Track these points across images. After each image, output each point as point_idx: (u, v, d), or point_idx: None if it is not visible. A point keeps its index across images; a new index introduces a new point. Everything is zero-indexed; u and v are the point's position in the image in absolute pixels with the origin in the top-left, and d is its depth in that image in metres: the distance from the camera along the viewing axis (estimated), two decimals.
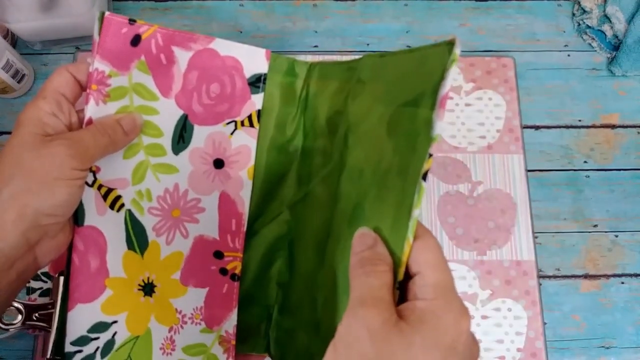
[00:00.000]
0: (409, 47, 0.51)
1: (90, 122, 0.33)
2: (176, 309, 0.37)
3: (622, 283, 0.46)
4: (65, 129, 0.32)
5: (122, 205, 0.35)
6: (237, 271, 0.38)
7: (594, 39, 0.51)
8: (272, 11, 0.53)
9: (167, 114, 0.36)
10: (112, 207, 0.35)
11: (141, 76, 0.35)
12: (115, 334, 0.34)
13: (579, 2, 0.51)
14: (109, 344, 0.34)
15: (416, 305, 0.23)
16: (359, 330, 0.23)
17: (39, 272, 0.43)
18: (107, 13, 0.33)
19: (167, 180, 0.36)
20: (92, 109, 0.33)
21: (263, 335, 0.39)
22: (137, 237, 0.35)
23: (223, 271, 0.38)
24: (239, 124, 0.38)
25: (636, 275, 0.46)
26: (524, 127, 0.49)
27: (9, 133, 0.48)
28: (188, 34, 0.36)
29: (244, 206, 0.38)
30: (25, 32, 0.48)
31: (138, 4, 0.52)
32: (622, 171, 0.48)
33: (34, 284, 0.42)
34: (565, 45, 0.52)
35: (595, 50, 0.51)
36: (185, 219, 0.37)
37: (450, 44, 0.26)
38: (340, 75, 0.37)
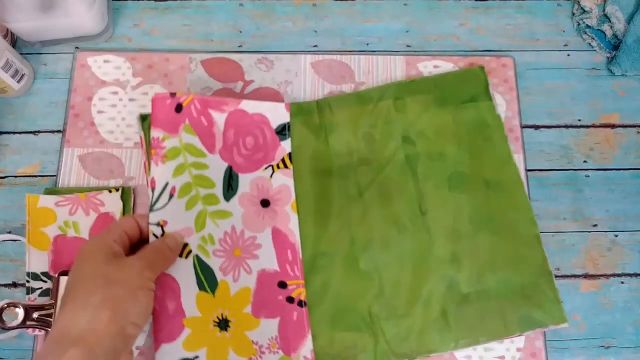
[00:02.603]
0: (409, 46, 0.51)
1: (153, 181, 0.40)
2: (252, 341, 0.40)
3: (622, 283, 0.46)
4: (125, 256, 0.36)
5: (190, 251, 0.40)
6: (303, 297, 0.42)
7: (594, 39, 0.51)
8: (272, 11, 0.53)
9: (215, 168, 0.43)
10: (181, 254, 0.39)
11: (189, 137, 0.42)
12: None
13: (579, 2, 0.51)
14: None
15: None
16: None
17: (38, 272, 0.43)
18: (154, 95, 0.41)
19: (224, 224, 0.42)
20: (154, 170, 0.40)
21: (373, 351, 0.41)
22: (207, 279, 0.40)
23: (290, 300, 0.41)
24: (275, 168, 0.44)
25: (636, 275, 0.46)
26: (524, 127, 0.49)
27: (9, 133, 0.48)
28: (220, 99, 0.44)
29: (296, 237, 0.43)
30: (25, 32, 0.48)
31: (138, 4, 0.52)
32: (622, 171, 0.48)
33: (34, 284, 0.42)
34: (565, 45, 0.52)
35: (595, 50, 0.51)
36: (246, 257, 0.42)
37: (482, 67, 0.48)
38: (355, 103, 0.47)
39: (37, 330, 0.41)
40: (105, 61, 0.49)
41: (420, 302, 0.42)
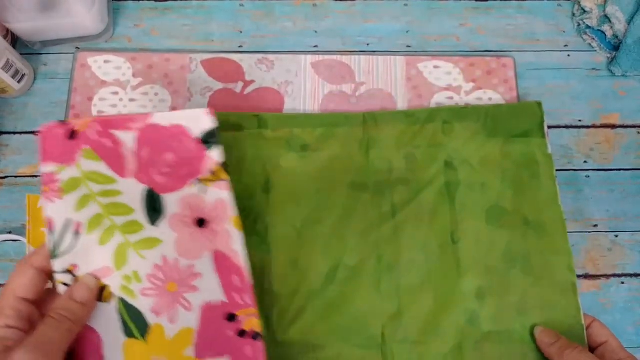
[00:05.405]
0: (409, 46, 0.51)
1: (51, 222, 0.33)
2: None
3: (622, 283, 0.46)
4: (25, 336, 0.29)
5: (111, 294, 0.34)
6: (257, 329, 0.36)
7: (594, 39, 0.51)
8: (272, 11, 0.53)
9: (131, 192, 0.35)
10: (99, 299, 0.33)
11: (91, 164, 0.35)
12: None
13: (579, 2, 0.51)
14: None
15: None
16: None
17: None
18: (39, 127, 0.34)
19: (152, 255, 0.35)
20: (49, 208, 0.33)
21: None
22: (135, 323, 0.34)
23: (242, 333, 0.35)
24: (205, 182, 0.37)
25: (636, 275, 0.46)
26: None
27: (9, 133, 0.48)
28: (124, 116, 0.37)
29: (241, 259, 0.36)
30: (25, 32, 0.48)
31: (138, 4, 0.52)
32: (622, 171, 0.48)
33: None
34: (565, 45, 0.52)
35: (595, 50, 0.51)
36: (183, 291, 0.35)
37: (539, 103, 0.46)
38: (402, 120, 0.46)
39: None
40: (106, 61, 0.49)
41: (436, 332, 0.41)
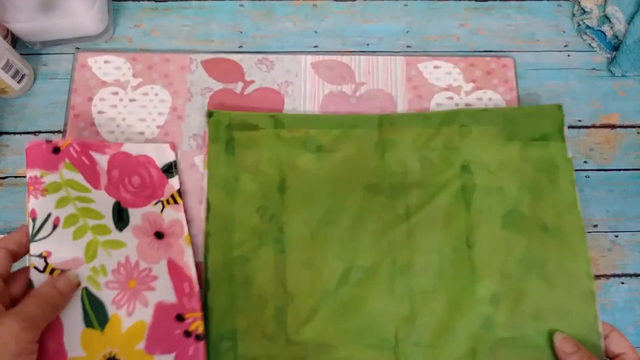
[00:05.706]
0: (409, 46, 0.51)
1: (34, 212, 0.37)
2: None
3: (622, 283, 0.46)
4: (2, 308, 0.32)
5: (78, 284, 0.37)
6: (200, 331, 0.40)
7: (594, 39, 0.51)
8: (272, 11, 0.53)
9: (102, 202, 0.41)
10: None
11: (71, 174, 0.40)
12: None
13: (579, 2, 0.51)
14: None
15: None
16: None
17: None
18: (27, 145, 0.39)
19: (118, 254, 0.40)
20: (34, 202, 0.38)
21: None
22: (95, 313, 0.37)
23: (187, 333, 0.39)
24: (165, 203, 0.44)
25: (636, 275, 0.46)
26: None
27: (9, 133, 0.48)
28: (100, 142, 0.44)
29: (191, 270, 0.42)
30: (25, 32, 0.48)
31: (138, 4, 0.52)
32: (622, 171, 0.48)
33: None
34: (565, 45, 0.52)
35: (595, 51, 0.52)
36: (142, 288, 0.39)
37: (559, 105, 0.45)
38: (418, 123, 0.46)
39: None
40: (106, 61, 0.49)
41: (450, 336, 0.40)
